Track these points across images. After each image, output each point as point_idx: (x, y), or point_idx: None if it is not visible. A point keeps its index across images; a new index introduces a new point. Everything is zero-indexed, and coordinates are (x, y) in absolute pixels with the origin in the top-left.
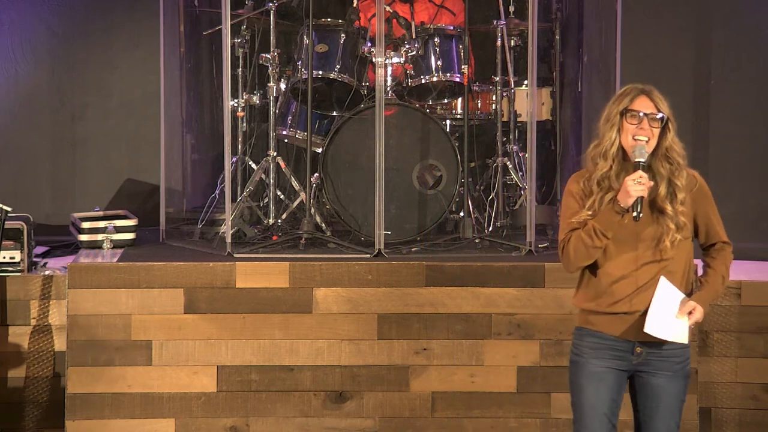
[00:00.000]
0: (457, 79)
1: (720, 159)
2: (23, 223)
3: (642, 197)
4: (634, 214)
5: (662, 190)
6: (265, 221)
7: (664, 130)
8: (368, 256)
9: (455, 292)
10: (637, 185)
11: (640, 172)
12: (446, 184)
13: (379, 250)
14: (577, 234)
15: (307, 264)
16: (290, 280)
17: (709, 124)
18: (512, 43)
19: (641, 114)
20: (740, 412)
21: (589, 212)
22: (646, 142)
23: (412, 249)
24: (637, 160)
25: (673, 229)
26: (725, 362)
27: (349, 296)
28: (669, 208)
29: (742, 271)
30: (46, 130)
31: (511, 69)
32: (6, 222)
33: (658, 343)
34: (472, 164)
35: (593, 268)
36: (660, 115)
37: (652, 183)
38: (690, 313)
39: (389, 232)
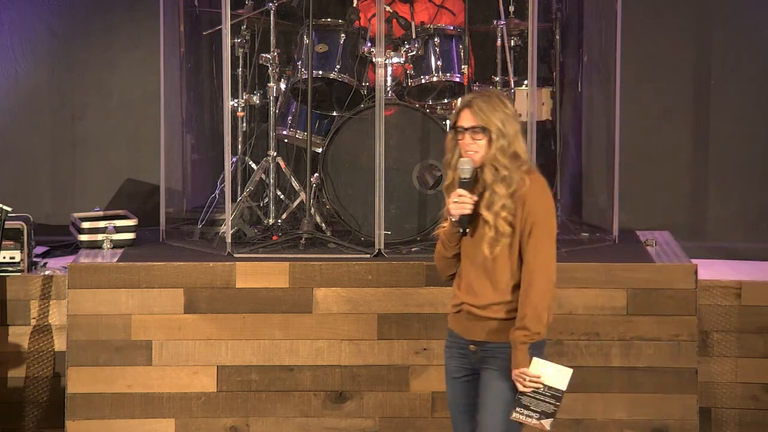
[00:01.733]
0: (457, 79)
1: (720, 159)
2: (23, 223)
3: (467, 215)
4: (461, 230)
5: (486, 197)
6: (265, 221)
7: (491, 140)
8: (368, 256)
9: None
10: (455, 204)
11: (459, 191)
12: None
13: (379, 250)
14: (437, 244)
15: (307, 264)
16: (290, 280)
17: (709, 124)
18: (512, 43)
19: (462, 129)
20: (740, 412)
21: (446, 223)
22: (475, 153)
23: (412, 249)
24: (461, 176)
25: (491, 236)
26: (725, 362)
27: (349, 296)
28: (489, 217)
29: (742, 271)
30: (46, 130)
31: (511, 69)
32: (6, 222)
33: (487, 341)
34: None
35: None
36: (480, 127)
37: (475, 198)
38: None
39: (389, 232)
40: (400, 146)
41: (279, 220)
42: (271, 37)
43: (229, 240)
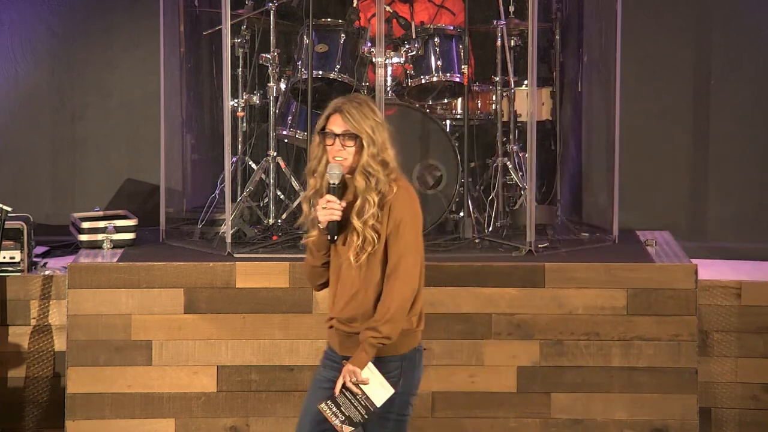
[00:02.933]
0: (457, 79)
1: (720, 159)
2: (23, 223)
3: (335, 221)
4: (328, 237)
5: (357, 204)
6: (265, 221)
7: (361, 146)
8: None
9: (455, 291)
10: (323, 210)
11: (328, 197)
12: (446, 184)
13: None
14: (306, 254)
15: None
16: (290, 280)
17: (709, 124)
18: (512, 43)
19: (333, 134)
20: (740, 412)
21: (314, 232)
22: (344, 160)
23: None
24: (330, 182)
25: (358, 244)
26: (725, 362)
27: None
28: (356, 223)
29: (742, 271)
30: (46, 130)
31: (511, 69)
32: (6, 222)
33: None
34: (472, 164)
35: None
36: (351, 134)
37: (344, 204)
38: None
39: None
40: (400, 146)
41: (279, 220)
42: (271, 37)
43: (229, 240)
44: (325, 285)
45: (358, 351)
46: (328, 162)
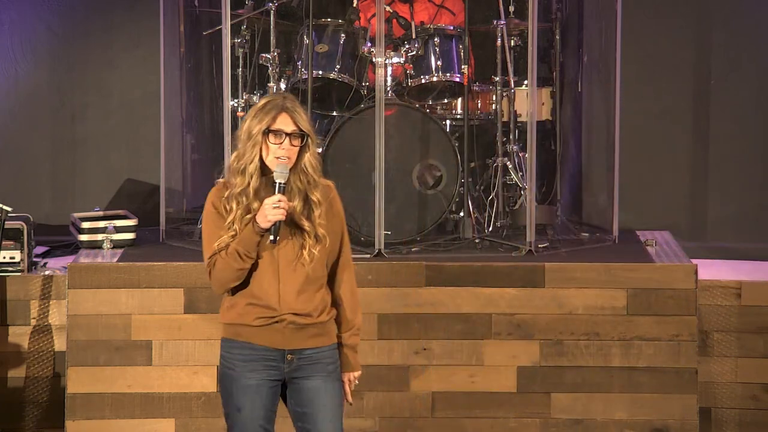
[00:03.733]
0: (457, 79)
1: (720, 159)
2: (23, 223)
3: (280, 221)
4: (271, 237)
5: (298, 205)
6: None
7: (304, 146)
8: (368, 256)
9: (455, 292)
10: (275, 209)
11: (279, 196)
12: (446, 184)
13: (379, 250)
14: (222, 256)
15: None
16: None
17: (709, 124)
18: (512, 43)
19: (284, 133)
20: (740, 412)
21: (232, 233)
22: (288, 159)
23: (412, 249)
24: (278, 181)
25: (311, 243)
26: (725, 362)
27: None
28: (306, 224)
29: (742, 271)
30: (46, 130)
31: (511, 69)
32: (6, 222)
33: (306, 348)
34: (472, 164)
35: (238, 285)
36: (301, 133)
37: (292, 204)
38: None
39: (389, 233)
40: (400, 146)
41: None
42: (271, 37)
43: None
44: (238, 288)
45: (353, 357)
46: (260, 163)
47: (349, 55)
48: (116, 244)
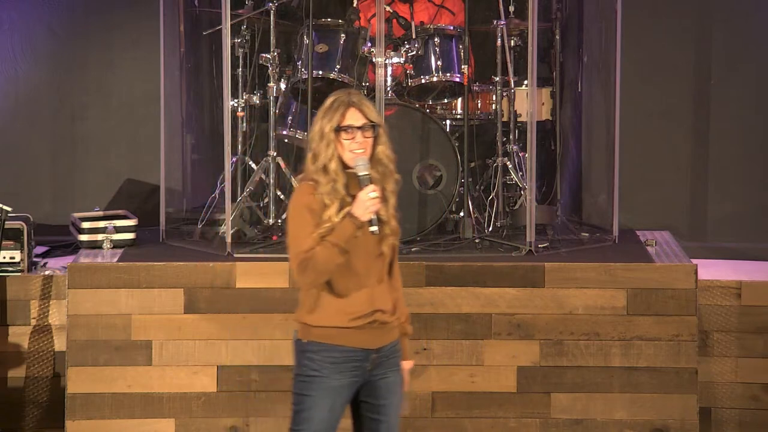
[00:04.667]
0: (457, 79)
1: (720, 159)
2: (23, 223)
3: (378, 210)
4: (373, 228)
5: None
6: (265, 221)
7: (376, 137)
8: None
9: (455, 292)
10: (372, 200)
11: (372, 187)
12: (446, 184)
13: None
14: (322, 249)
15: None
16: (290, 280)
17: (709, 124)
18: (512, 43)
19: (354, 128)
20: (740, 412)
21: (328, 226)
22: (364, 152)
23: (412, 249)
24: (361, 174)
25: (388, 234)
26: (725, 362)
27: None
28: (384, 215)
29: (742, 271)
30: (46, 130)
31: (511, 69)
32: (6, 222)
33: (385, 345)
34: (472, 164)
35: (325, 284)
36: (371, 125)
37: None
38: None
39: None
40: (400, 146)
41: (279, 220)
42: (271, 37)
43: (229, 240)
44: (323, 288)
45: (407, 344)
46: (340, 159)
47: (349, 55)
48: (116, 244)
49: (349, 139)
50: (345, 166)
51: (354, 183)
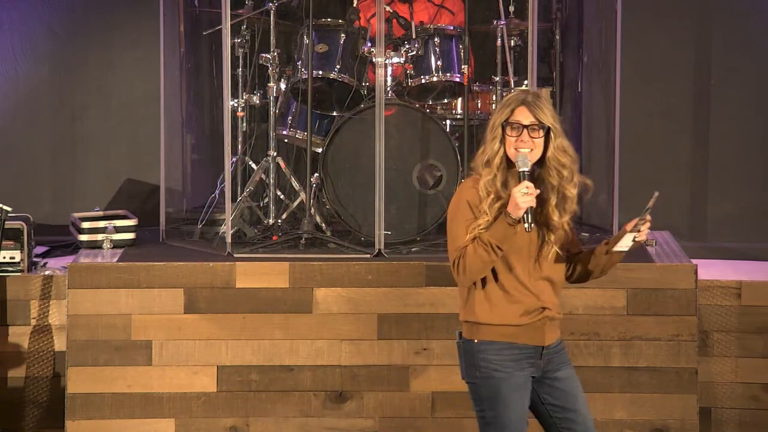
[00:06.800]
0: (457, 79)
1: (720, 159)
2: (23, 223)
3: (531, 207)
4: (526, 225)
5: (552, 200)
6: (265, 221)
7: (548, 138)
8: (368, 256)
9: (455, 292)
10: (525, 196)
11: (526, 183)
12: (446, 184)
13: (379, 250)
14: (472, 248)
15: (307, 264)
16: (290, 280)
17: (709, 124)
18: (512, 43)
19: (521, 126)
20: (740, 412)
21: (485, 218)
22: (530, 151)
23: (412, 249)
24: (521, 170)
25: (552, 241)
26: (725, 362)
27: (349, 296)
28: (555, 219)
29: (742, 271)
30: (46, 130)
31: (511, 69)
32: (6, 222)
33: (553, 342)
34: (472, 164)
35: (490, 282)
36: (540, 125)
37: (538, 191)
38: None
39: (389, 232)
40: (400, 146)
41: (279, 220)
42: (271, 37)
43: (229, 240)
44: (492, 285)
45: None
46: (505, 156)
47: (349, 55)
48: (116, 244)
49: (514, 136)
50: (510, 165)
51: (516, 181)
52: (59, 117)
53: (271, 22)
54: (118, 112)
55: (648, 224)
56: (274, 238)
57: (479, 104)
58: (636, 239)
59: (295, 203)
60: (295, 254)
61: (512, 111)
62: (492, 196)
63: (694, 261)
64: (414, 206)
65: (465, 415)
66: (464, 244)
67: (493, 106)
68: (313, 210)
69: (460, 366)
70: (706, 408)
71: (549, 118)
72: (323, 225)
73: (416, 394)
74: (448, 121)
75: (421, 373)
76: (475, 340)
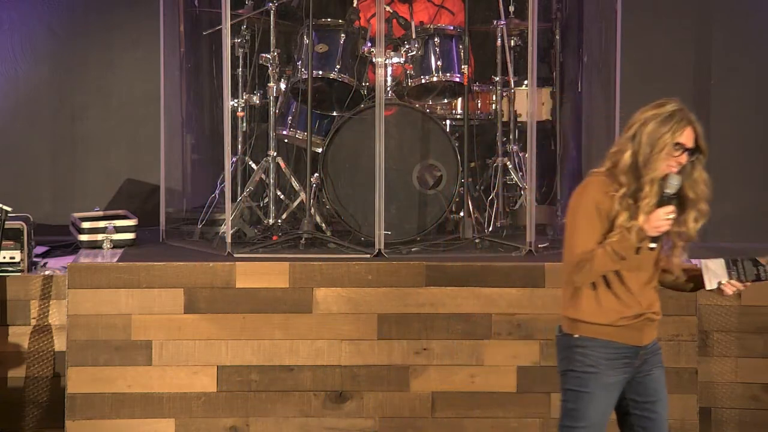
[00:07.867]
0: (457, 79)
1: (720, 159)
2: (23, 223)
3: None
4: (653, 245)
5: (691, 214)
6: (265, 221)
7: (698, 162)
8: (368, 256)
9: (455, 292)
10: (665, 221)
11: (671, 208)
12: (446, 184)
13: (379, 250)
14: (600, 253)
15: (307, 264)
16: (290, 280)
17: (709, 124)
18: (512, 43)
19: (684, 148)
20: (740, 412)
21: (616, 236)
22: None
23: (412, 249)
24: (667, 191)
25: (679, 247)
26: (725, 362)
27: (349, 296)
28: (674, 229)
29: None
30: (46, 130)
31: (511, 69)
32: (6, 222)
33: (650, 342)
34: (472, 164)
35: (601, 284)
36: (698, 151)
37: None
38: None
39: (389, 232)
40: (400, 146)
41: (279, 220)
42: (271, 37)
43: (229, 240)
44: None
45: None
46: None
47: (349, 55)
48: (116, 244)
49: (675, 156)
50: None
51: (649, 191)
52: (59, 117)
53: (271, 22)
54: (118, 112)
55: (740, 287)
56: (274, 238)
57: (479, 104)
58: (721, 285)
59: (295, 203)
60: (295, 254)
61: (683, 131)
62: (628, 214)
63: (694, 261)
64: (414, 206)
65: (465, 415)
66: (591, 248)
67: (493, 106)
68: (313, 210)
69: (557, 357)
70: (706, 408)
71: (703, 141)
72: (323, 225)
73: (416, 394)
74: (448, 121)
75: (421, 373)
76: (575, 335)
